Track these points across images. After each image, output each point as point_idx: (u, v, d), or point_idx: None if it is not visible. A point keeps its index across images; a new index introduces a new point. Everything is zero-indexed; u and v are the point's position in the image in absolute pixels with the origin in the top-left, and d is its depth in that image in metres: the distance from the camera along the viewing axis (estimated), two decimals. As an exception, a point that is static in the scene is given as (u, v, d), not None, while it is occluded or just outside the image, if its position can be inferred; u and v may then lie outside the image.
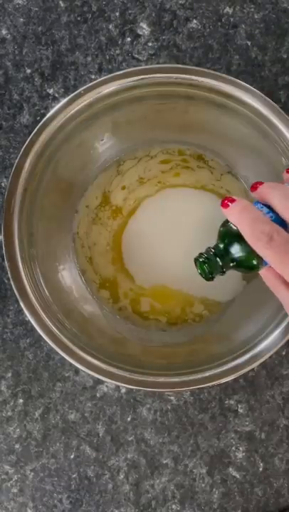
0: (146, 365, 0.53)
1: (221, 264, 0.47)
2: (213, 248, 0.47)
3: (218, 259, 0.47)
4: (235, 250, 0.46)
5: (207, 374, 0.50)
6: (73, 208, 0.59)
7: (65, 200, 0.59)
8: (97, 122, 0.55)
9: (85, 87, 0.52)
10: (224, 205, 0.45)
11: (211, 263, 0.47)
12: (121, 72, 0.52)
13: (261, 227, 0.42)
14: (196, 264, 0.48)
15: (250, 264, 0.46)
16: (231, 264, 0.47)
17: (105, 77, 0.52)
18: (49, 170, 0.54)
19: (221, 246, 0.47)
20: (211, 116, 0.55)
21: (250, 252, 0.44)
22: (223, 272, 0.48)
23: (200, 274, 0.48)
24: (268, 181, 0.57)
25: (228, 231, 0.46)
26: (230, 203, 0.45)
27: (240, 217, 0.44)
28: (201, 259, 0.48)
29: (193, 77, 0.52)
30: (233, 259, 0.46)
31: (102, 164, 0.60)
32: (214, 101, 0.53)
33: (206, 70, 0.52)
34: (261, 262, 0.45)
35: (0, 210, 0.60)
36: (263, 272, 0.47)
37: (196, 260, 0.48)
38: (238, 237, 0.45)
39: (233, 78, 0.52)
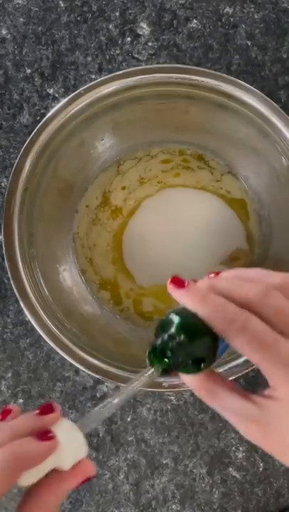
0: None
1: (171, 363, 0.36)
2: (160, 343, 0.36)
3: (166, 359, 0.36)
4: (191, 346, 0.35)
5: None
6: (73, 208, 0.59)
7: (65, 200, 0.58)
8: (97, 122, 0.55)
9: (85, 87, 0.52)
10: (174, 287, 0.36)
11: (161, 360, 0.36)
12: (121, 72, 0.52)
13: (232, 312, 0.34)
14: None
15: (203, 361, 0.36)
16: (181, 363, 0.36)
17: (105, 77, 0.52)
18: (49, 170, 0.54)
19: (171, 341, 0.35)
20: (212, 116, 0.55)
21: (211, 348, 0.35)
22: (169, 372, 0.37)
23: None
24: (267, 181, 0.57)
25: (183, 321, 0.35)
26: (182, 288, 0.36)
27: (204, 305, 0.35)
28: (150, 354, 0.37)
29: (194, 77, 0.52)
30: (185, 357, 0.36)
31: (103, 164, 0.60)
32: (214, 101, 0.53)
33: (206, 69, 0.52)
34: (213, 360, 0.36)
35: (0, 210, 0.60)
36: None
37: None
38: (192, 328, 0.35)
39: (233, 78, 0.52)
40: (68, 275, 0.58)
